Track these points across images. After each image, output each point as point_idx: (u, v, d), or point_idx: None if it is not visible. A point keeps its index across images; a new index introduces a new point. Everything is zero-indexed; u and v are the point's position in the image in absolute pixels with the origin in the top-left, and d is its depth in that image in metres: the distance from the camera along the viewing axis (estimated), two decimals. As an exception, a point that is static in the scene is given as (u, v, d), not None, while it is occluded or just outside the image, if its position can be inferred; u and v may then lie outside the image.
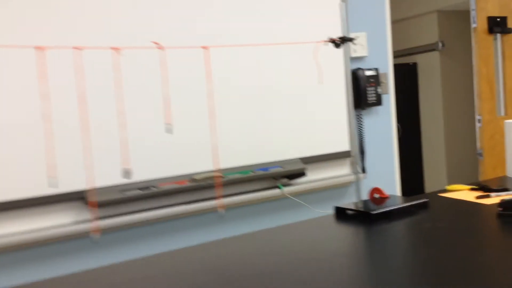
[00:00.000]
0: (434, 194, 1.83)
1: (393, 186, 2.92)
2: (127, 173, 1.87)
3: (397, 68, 6.10)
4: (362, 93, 2.70)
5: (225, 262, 1.21)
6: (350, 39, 1.53)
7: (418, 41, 6.20)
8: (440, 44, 5.98)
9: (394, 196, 1.73)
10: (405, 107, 6.02)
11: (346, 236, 1.41)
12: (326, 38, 1.48)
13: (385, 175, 2.89)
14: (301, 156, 2.50)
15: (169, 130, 1.88)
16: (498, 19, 3.50)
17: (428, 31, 6.06)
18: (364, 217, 1.54)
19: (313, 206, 2.63)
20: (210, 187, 2.24)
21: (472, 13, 3.43)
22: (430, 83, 6.01)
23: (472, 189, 1.83)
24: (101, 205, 1.98)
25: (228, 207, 2.39)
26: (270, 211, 2.51)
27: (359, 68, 2.70)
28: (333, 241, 1.36)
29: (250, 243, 1.37)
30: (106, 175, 2.01)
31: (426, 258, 1.14)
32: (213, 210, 2.34)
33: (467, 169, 5.85)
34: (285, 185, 2.47)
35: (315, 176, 2.61)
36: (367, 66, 2.79)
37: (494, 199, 1.66)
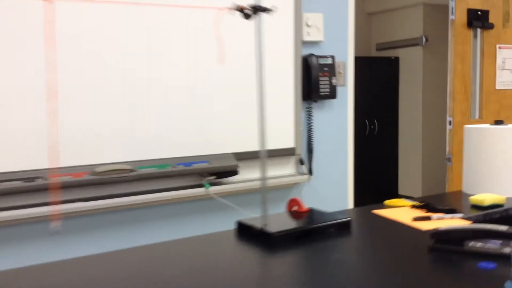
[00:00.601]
0: (367, 210, 1.51)
1: (344, 191, 2.59)
2: None
3: (378, 61, 5.77)
4: (313, 83, 2.35)
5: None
6: (265, 9, 1.18)
7: (401, 34, 5.87)
8: (424, 39, 5.66)
9: (314, 211, 1.40)
10: (383, 104, 5.70)
11: (237, 260, 1.09)
12: (231, 5, 1.14)
13: (336, 178, 2.57)
14: (234, 151, 2.16)
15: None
16: (479, 13, 3.17)
17: (412, 25, 5.72)
18: (265, 236, 1.21)
19: (248, 210, 2.30)
20: (115, 181, 1.89)
21: (451, 4, 3.10)
22: (411, 80, 5.69)
23: (414, 207, 1.51)
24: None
25: (141, 206, 2.05)
26: (194, 212, 2.17)
27: (312, 55, 2.35)
28: (218, 265, 1.06)
29: (122, 260, 1.09)
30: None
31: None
32: (119, 208, 2.00)
33: (444, 174, 5.55)
34: (213, 183, 2.13)
35: (251, 175, 2.27)
36: (323, 53, 2.44)
37: (434, 222, 1.34)
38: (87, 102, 1.83)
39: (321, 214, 1.36)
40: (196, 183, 2.11)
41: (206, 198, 2.17)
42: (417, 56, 5.72)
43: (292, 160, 2.40)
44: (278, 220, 1.32)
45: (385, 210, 1.49)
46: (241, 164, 2.20)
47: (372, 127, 5.56)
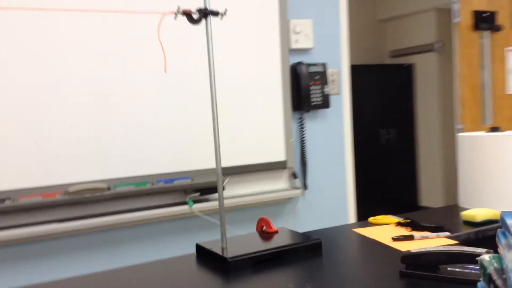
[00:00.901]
0: (347, 229, 1.38)
1: (343, 205, 2.46)
2: None
3: (391, 69, 5.60)
4: (303, 92, 2.24)
5: None
6: (215, 13, 1.09)
7: (414, 40, 5.70)
8: (438, 45, 5.48)
9: (284, 231, 1.28)
10: (399, 112, 5.51)
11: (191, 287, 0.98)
12: (176, 9, 1.04)
13: (334, 192, 2.43)
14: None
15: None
16: (486, 15, 3.01)
17: (425, 31, 5.55)
18: (223, 261, 1.10)
19: (236, 227, 2.19)
20: (90, 201, 1.81)
21: (455, 6, 2.95)
22: (427, 86, 5.50)
23: (399, 224, 1.37)
24: None
25: (120, 227, 1.96)
26: (178, 231, 2.07)
27: (300, 63, 2.24)
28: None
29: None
30: None
31: None
32: (96, 230, 1.91)
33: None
34: (197, 201, 2.03)
35: (239, 191, 2.16)
36: (314, 61, 2.33)
37: (416, 242, 1.21)
38: (57, 119, 1.76)
39: (291, 235, 1.24)
40: (179, 200, 2.01)
41: (190, 216, 2.07)
42: (432, 62, 5.54)
43: (285, 174, 2.28)
44: (240, 242, 1.21)
45: (367, 229, 1.36)
46: (228, 180, 2.10)
47: (388, 136, 5.38)
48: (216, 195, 2.08)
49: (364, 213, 3.77)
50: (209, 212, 2.07)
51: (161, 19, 1.15)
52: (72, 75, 1.78)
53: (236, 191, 2.14)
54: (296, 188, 2.29)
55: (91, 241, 1.91)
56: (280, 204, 2.31)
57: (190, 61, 1.97)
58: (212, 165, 2.03)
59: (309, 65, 2.25)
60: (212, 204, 2.06)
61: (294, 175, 2.30)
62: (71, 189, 1.76)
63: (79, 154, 1.79)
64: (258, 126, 2.13)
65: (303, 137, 2.33)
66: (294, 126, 2.31)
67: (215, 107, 1.14)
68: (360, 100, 5.11)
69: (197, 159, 2.00)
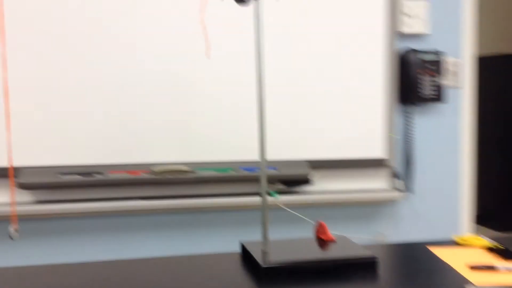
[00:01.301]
0: (422, 246, 1.18)
1: (454, 214, 2.16)
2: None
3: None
4: (411, 83, 1.99)
5: None
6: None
7: None
8: None
9: (342, 241, 1.13)
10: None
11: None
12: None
13: (445, 198, 2.15)
14: (309, 158, 1.93)
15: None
16: None
17: None
18: (258, 267, 1.00)
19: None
20: (172, 182, 1.83)
21: None
22: None
23: (491, 249, 1.13)
24: (29, 187, 1.71)
25: (199, 210, 1.96)
26: (257, 222, 2.00)
27: (411, 50, 1.99)
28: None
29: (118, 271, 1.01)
30: (38, 153, 1.73)
31: None
32: (175, 211, 1.93)
33: None
34: (281, 192, 1.94)
35: (329, 186, 2.01)
36: (429, 49, 2.05)
37: (499, 276, 0.97)
38: (145, 102, 1.80)
39: (347, 246, 1.09)
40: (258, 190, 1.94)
41: (272, 208, 1.99)
42: None
43: (384, 173, 2.07)
44: (288, 247, 1.09)
45: (446, 249, 1.14)
46: (316, 174, 1.97)
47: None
48: (304, 188, 1.97)
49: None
50: (293, 206, 1.96)
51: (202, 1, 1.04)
52: (157, 61, 1.80)
53: (326, 186, 2.00)
54: (398, 190, 2.07)
55: (170, 221, 1.94)
56: (376, 206, 2.10)
57: (286, 44, 1.86)
58: (301, 156, 1.91)
59: (421, 52, 1.99)
60: (297, 198, 1.95)
61: (395, 176, 2.07)
62: (156, 168, 1.79)
63: (165, 137, 1.81)
64: (354, 117, 1.95)
65: (410, 134, 2.08)
66: (400, 120, 2.07)
67: (260, 97, 1.03)
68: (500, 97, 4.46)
69: (283, 148, 1.91)
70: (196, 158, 1.84)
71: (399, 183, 2.08)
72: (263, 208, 1.09)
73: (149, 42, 1.79)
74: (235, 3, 1.01)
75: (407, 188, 2.10)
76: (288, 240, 1.14)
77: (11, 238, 1.69)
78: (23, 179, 1.69)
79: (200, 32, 1.79)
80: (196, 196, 1.87)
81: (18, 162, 1.71)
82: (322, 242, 1.12)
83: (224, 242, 1.99)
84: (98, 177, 1.76)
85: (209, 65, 1.83)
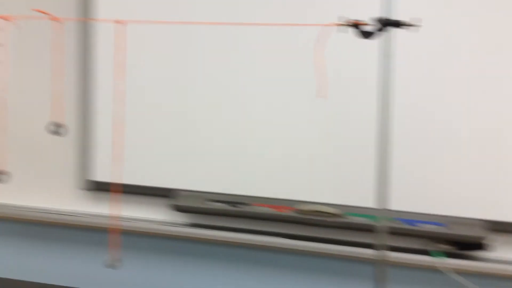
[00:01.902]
0: None
1: None
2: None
3: None
4: None
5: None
6: (399, 24, 0.79)
7: None
8: None
9: None
10: None
11: None
12: (342, 20, 0.79)
13: None
14: (483, 217, 1.57)
15: None
16: None
17: None
18: None
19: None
20: (317, 224, 1.68)
21: None
22: None
23: None
24: (182, 210, 1.77)
25: (346, 258, 1.75)
26: (410, 283, 1.70)
27: None
28: None
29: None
30: (188, 177, 1.78)
31: None
32: (320, 255, 1.75)
33: None
34: (447, 254, 1.61)
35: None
36: None
37: None
38: (298, 136, 1.71)
39: None
40: (420, 247, 1.65)
41: (429, 269, 1.66)
42: None
43: None
44: None
45: None
46: (497, 238, 1.59)
47: None
48: (477, 253, 1.61)
49: None
50: (461, 273, 1.61)
51: (322, 32, 0.85)
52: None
53: (506, 255, 1.60)
54: None
55: (312, 264, 1.79)
56: None
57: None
58: (473, 214, 1.57)
59: None
60: (471, 265, 1.61)
61: None
62: (304, 207, 1.68)
63: (311, 174, 1.68)
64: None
65: None
66: None
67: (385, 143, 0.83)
68: None
69: (452, 201, 1.59)
70: (345, 201, 1.66)
71: None
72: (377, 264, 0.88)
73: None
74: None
75: None
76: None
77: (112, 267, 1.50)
78: (178, 202, 1.76)
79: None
80: (342, 243, 1.69)
81: (171, 184, 1.79)
82: None
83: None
84: (243, 207, 1.73)
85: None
